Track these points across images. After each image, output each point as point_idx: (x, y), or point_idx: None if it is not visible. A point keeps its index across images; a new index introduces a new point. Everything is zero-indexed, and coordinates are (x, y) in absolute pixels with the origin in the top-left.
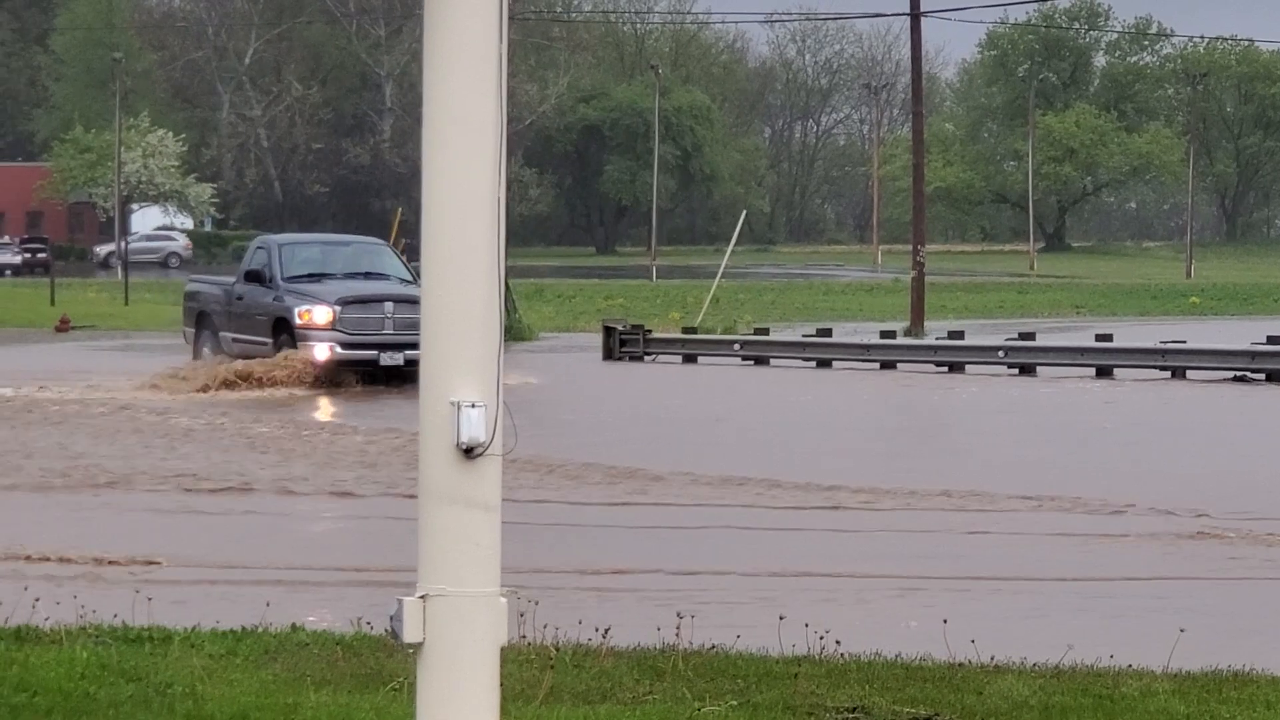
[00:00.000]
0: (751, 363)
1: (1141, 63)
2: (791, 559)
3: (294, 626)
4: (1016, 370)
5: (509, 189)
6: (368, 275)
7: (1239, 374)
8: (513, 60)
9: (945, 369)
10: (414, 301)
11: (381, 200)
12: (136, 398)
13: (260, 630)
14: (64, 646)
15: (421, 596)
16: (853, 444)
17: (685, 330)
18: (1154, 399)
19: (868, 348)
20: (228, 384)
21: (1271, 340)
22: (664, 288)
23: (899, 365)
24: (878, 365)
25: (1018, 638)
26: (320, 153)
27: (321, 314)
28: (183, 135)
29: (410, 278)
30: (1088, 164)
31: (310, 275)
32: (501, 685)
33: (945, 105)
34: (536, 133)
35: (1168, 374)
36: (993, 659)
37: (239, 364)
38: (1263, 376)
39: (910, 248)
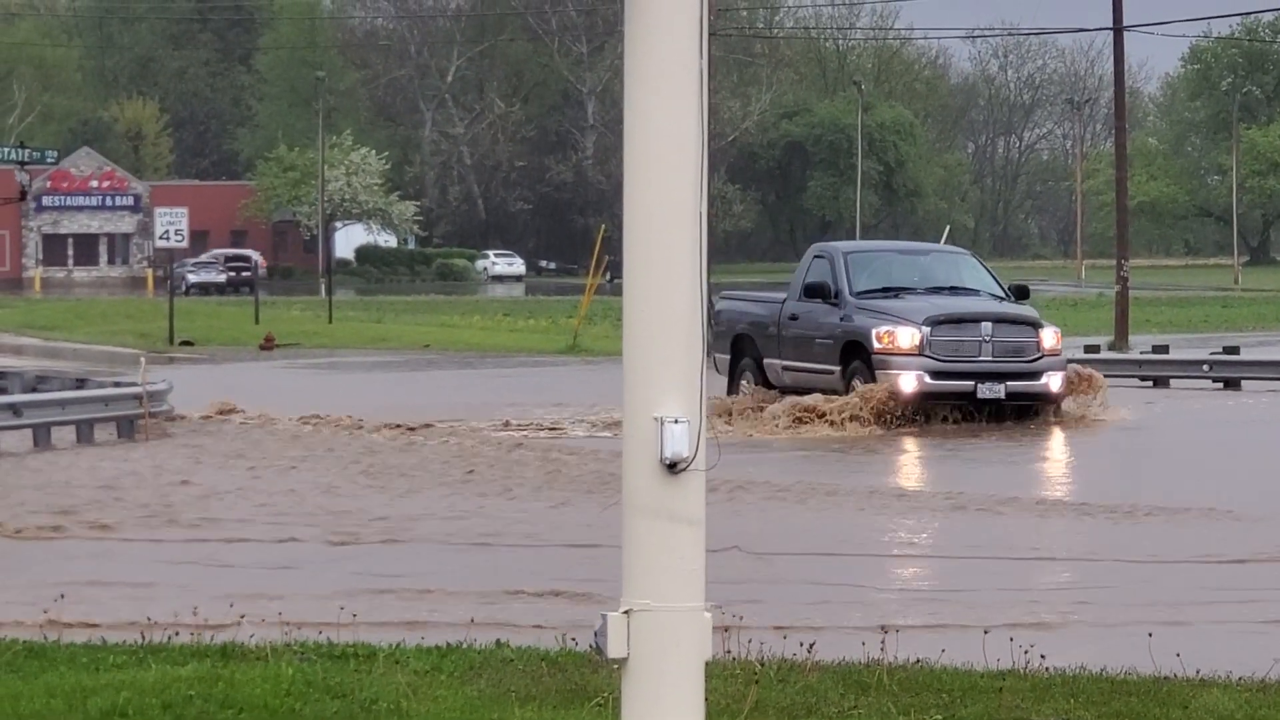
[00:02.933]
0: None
1: None
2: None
3: (499, 643)
4: (1221, 385)
5: (712, 205)
6: (953, 290)
7: None
8: (714, 76)
9: (1150, 383)
10: (1019, 322)
11: (585, 217)
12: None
13: (465, 646)
14: (269, 663)
15: (625, 612)
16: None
17: None
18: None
19: (1071, 362)
20: (796, 421)
21: None
22: None
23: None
24: None
25: (1222, 653)
26: (523, 170)
27: (906, 336)
28: (385, 153)
29: (1004, 293)
30: None
31: (885, 290)
32: (706, 700)
33: (1148, 119)
34: (739, 149)
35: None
36: (1198, 673)
37: (808, 399)
38: None
39: (1113, 262)
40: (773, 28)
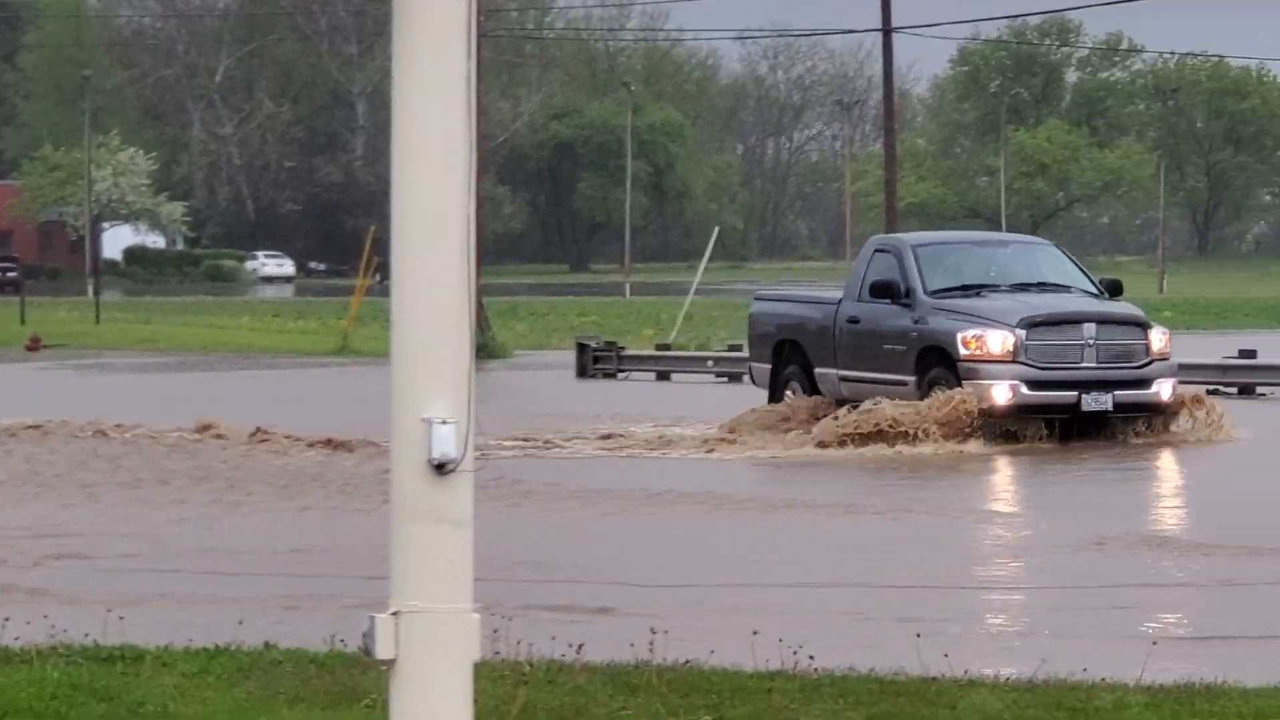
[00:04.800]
0: (725, 380)
1: (1112, 79)
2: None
3: (267, 645)
4: None
5: (482, 207)
6: (1041, 286)
7: (1212, 387)
8: (485, 78)
9: None
10: (1125, 322)
11: (355, 218)
12: (727, 456)
13: (234, 649)
14: (34, 666)
15: (394, 613)
16: None
17: (659, 347)
18: None
19: None
20: (864, 437)
21: (1243, 354)
22: (637, 305)
23: None
24: None
25: (991, 651)
26: (292, 171)
27: (998, 340)
28: (153, 153)
29: (1096, 289)
30: (1060, 179)
31: (965, 288)
32: (475, 701)
33: (917, 121)
34: (510, 150)
35: None
36: (966, 673)
37: (885, 408)
38: (1235, 390)
39: None
40: (543, 29)
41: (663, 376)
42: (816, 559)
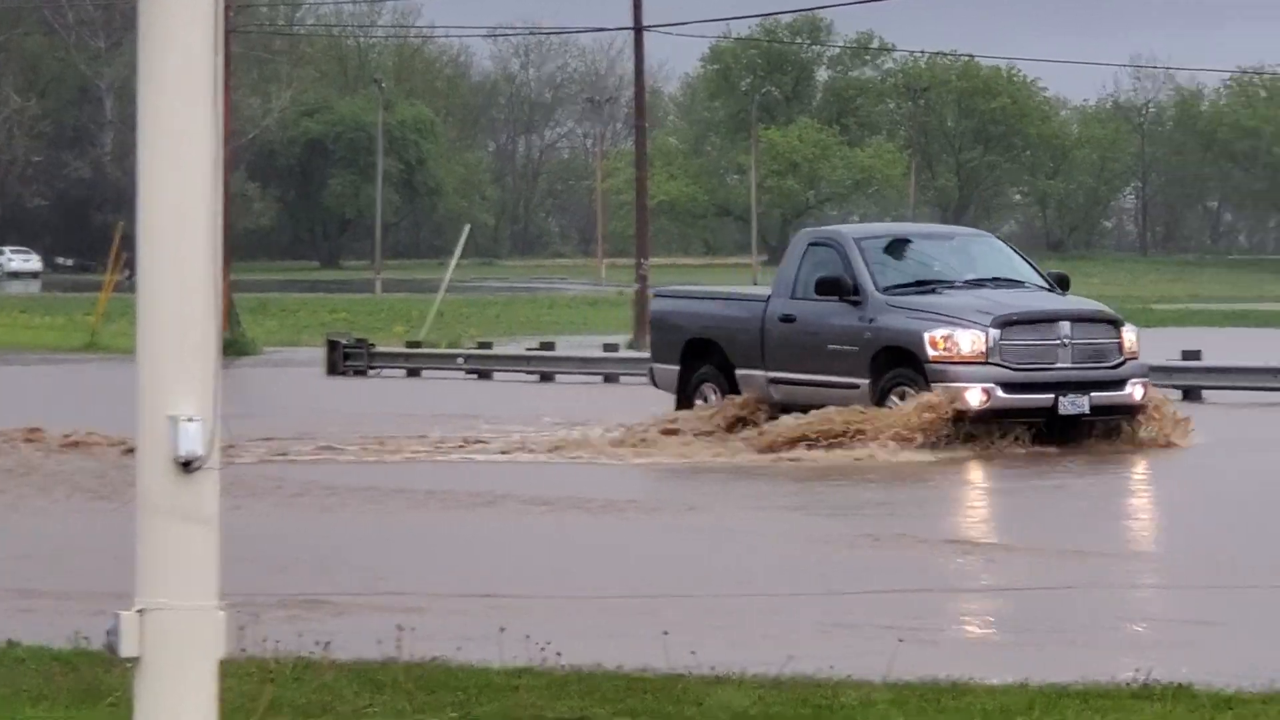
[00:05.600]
0: (475, 376)
1: (863, 77)
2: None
3: (10, 642)
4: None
5: (232, 203)
6: (997, 282)
7: None
8: (234, 74)
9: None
10: (1099, 320)
11: (103, 214)
12: (650, 463)
13: None
14: None
15: (139, 610)
16: None
17: (409, 344)
18: None
19: (590, 361)
20: (801, 442)
21: None
22: (388, 302)
23: (622, 378)
24: (601, 378)
25: (739, 648)
26: (40, 165)
27: (969, 340)
28: None
29: (1047, 283)
30: (810, 177)
31: (919, 284)
32: (221, 699)
33: (669, 119)
34: (260, 147)
35: None
36: (713, 669)
37: (830, 412)
38: None
39: (634, 261)
40: (293, 25)
41: (413, 373)
42: (586, 562)
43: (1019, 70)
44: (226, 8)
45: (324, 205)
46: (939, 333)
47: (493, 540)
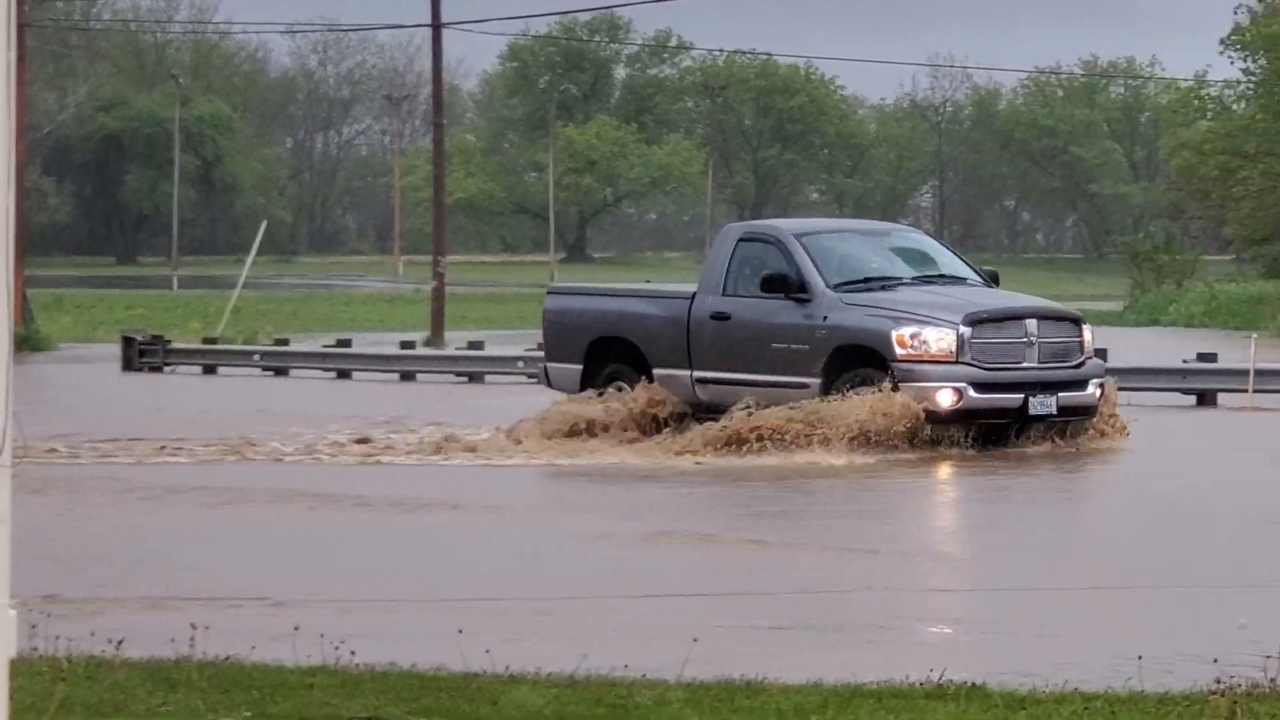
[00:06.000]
0: (272, 373)
1: (662, 75)
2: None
3: None
4: (536, 380)
5: (27, 198)
6: (943, 279)
7: None
8: (29, 68)
9: (465, 379)
10: (1063, 319)
11: None
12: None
13: None
14: None
15: None
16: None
17: (206, 341)
18: None
19: (387, 358)
20: (735, 442)
21: None
22: (185, 298)
23: (418, 376)
24: (398, 376)
25: (536, 648)
26: None
27: (939, 338)
28: None
29: (984, 279)
30: (608, 175)
31: (868, 281)
32: (11, 698)
33: (467, 116)
34: (56, 142)
35: None
36: (508, 669)
37: (770, 412)
38: None
39: (431, 258)
40: (90, 20)
41: (209, 370)
42: (389, 562)
43: (817, 69)
44: (20, 1)
45: (121, 201)
46: (906, 331)
47: (295, 540)
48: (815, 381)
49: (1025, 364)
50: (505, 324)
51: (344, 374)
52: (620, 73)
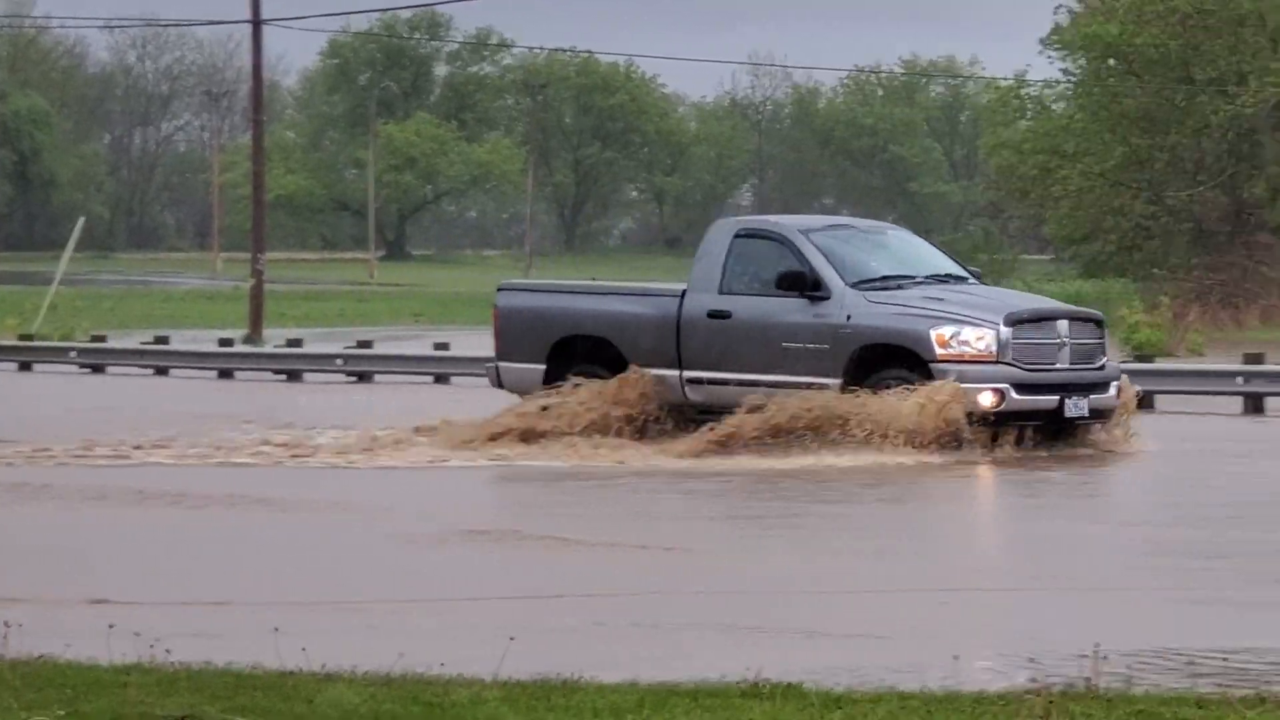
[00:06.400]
0: (89, 371)
1: (482, 73)
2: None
3: None
4: (355, 378)
5: None
6: (950, 277)
7: None
8: None
9: (284, 377)
10: (1089, 320)
11: None
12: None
13: None
14: None
15: None
16: None
17: (21, 337)
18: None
19: (205, 355)
20: (728, 441)
21: None
22: (1, 294)
23: (237, 373)
24: (216, 373)
25: (352, 647)
26: None
27: (979, 338)
28: None
29: (977, 279)
30: (428, 173)
31: (885, 279)
32: None
33: (287, 113)
34: None
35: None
36: (324, 667)
37: (793, 402)
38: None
39: (250, 255)
40: None
41: (25, 367)
42: (210, 563)
43: (637, 67)
44: None
45: None
46: (946, 330)
47: (115, 540)
48: (835, 382)
49: (1058, 365)
50: (325, 321)
51: (162, 371)
52: (441, 70)
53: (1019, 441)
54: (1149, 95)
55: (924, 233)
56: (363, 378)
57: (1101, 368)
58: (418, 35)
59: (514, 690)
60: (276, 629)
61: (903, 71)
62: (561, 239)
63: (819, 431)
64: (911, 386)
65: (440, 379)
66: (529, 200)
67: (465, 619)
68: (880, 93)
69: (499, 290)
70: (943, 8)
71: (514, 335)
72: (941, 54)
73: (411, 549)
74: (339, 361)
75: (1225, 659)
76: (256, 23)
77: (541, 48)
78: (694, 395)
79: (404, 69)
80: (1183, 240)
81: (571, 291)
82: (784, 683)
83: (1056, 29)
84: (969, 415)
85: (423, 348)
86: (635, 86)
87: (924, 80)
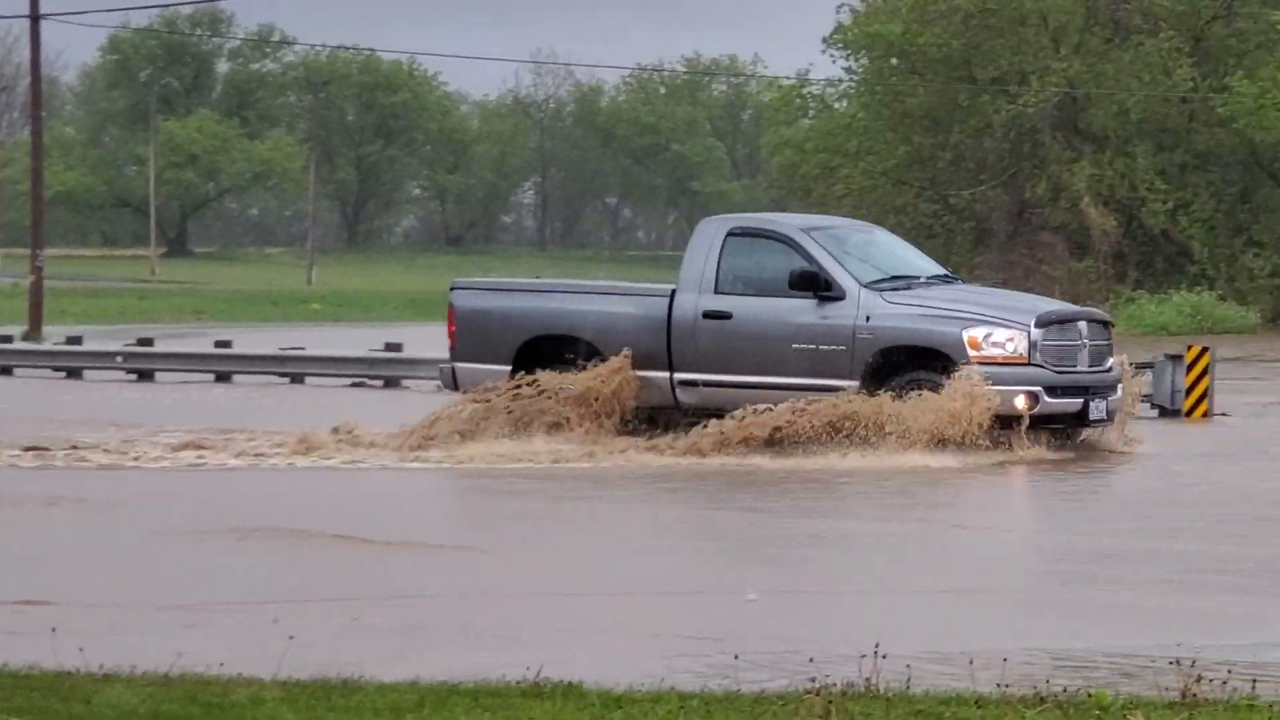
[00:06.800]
0: None
1: (264, 70)
2: None
3: None
4: (136, 376)
5: None
6: (946, 279)
7: (357, 380)
8: None
9: (64, 374)
10: (1102, 322)
11: None
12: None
13: None
14: None
15: None
16: None
17: None
18: (276, 401)
19: None
20: (745, 441)
21: (389, 347)
22: None
23: (15, 370)
24: None
25: (130, 647)
26: None
27: (1010, 340)
28: None
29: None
30: (210, 170)
31: (894, 280)
32: None
33: (66, 109)
34: None
35: (287, 379)
36: (102, 667)
37: (811, 406)
38: (380, 383)
39: (29, 252)
40: None
41: None
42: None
43: (420, 65)
44: None
45: None
46: (979, 332)
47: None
48: (851, 384)
49: (1080, 368)
50: (105, 319)
51: None
52: (223, 67)
53: (1034, 444)
54: (931, 94)
55: None
56: (143, 375)
57: (1110, 369)
58: (199, 32)
59: (294, 690)
60: (54, 629)
61: (685, 70)
62: (344, 236)
63: (844, 432)
64: (937, 390)
65: (222, 377)
66: (311, 198)
67: (244, 619)
68: (663, 91)
69: (453, 289)
70: (725, 6)
71: (474, 335)
72: (724, 52)
73: (190, 548)
74: (119, 359)
75: (1005, 660)
76: (35, 17)
77: (324, 45)
78: (685, 397)
79: (185, 65)
80: (965, 239)
81: (542, 290)
82: (565, 682)
83: (839, 28)
84: (1000, 419)
85: (204, 345)
86: (417, 84)
87: (707, 79)
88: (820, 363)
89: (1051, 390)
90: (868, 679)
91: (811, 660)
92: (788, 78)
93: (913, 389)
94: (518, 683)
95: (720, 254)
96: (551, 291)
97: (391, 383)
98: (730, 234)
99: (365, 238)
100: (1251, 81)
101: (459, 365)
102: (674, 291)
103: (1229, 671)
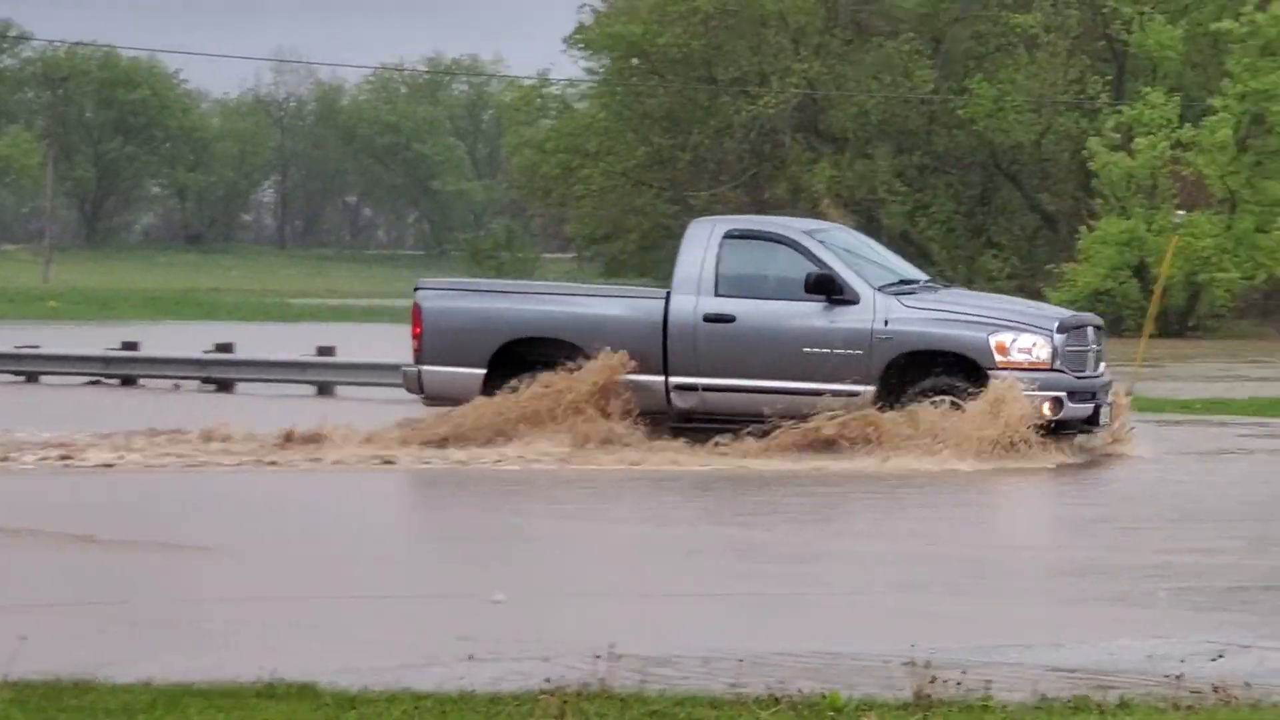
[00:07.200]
0: None
1: (1, 65)
2: None
3: None
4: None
5: None
6: (946, 280)
7: (94, 378)
8: None
9: None
10: (1100, 327)
11: None
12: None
13: None
14: None
15: None
16: None
17: None
18: (13, 401)
19: None
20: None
21: (126, 345)
22: None
23: None
24: None
25: None
26: None
27: (1036, 345)
28: None
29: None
30: None
31: (901, 284)
32: None
33: None
34: None
35: (23, 378)
36: None
37: (873, 412)
38: (117, 381)
39: None
40: None
41: None
42: None
43: (160, 62)
44: None
45: None
46: (1006, 338)
47: None
48: (868, 389)
49: (1090, 373)
50: None
51: None
52: None
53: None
54: (672, 95)
55: (446, 231)
56: None
57: (1103, 373)
58: None
59: (24, 691)
60: None
61: (426, 70)
62: (83, 234)
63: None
64: (962, 395)
65: None
66: (48, 194)
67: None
68: (404, 91)
69: (418, 290)
70: (467, 5)
71: (444, 338)
72: (466, 52)
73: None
74: None
75: (740, 661)
76: None
77: (63, 40)
78: (681, 402)
79: None
80: None
81: (522, 292)
82: (299, 683)
83: (580, 28)
84: (1043, 420)
85: None
86: (157, 82)
87: (448, 78)
88: (834, 367)
89: (1071, 395)
90: (601, 679)
91: (547, 660)
92: (529, 78)
93: (942, 394)
94: (252, 683)
95: (719, 256)
96: (531, 293)
97: (128, 381)
98: (727, 236)
99: (104, 235)
100: (991, 84)
101: (426, 369)
102: (669, 294)
103: (963, 672)
